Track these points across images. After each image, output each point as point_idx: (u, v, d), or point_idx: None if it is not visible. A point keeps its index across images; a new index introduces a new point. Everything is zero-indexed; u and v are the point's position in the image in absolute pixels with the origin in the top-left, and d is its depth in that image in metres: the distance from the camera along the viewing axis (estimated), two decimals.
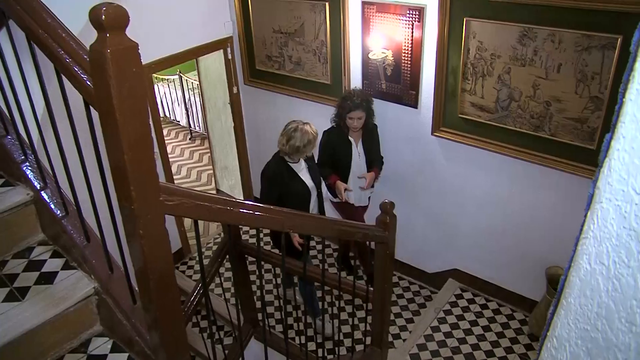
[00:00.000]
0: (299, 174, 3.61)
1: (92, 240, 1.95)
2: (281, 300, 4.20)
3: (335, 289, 3.01)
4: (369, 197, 4.35)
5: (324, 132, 4.06)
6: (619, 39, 2.87)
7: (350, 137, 4.02)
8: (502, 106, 3.52)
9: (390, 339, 4.07)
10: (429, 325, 4.16)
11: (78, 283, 1.90)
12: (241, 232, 3.66)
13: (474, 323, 4.14)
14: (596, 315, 0.52)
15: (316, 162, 3.93)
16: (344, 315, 4.33)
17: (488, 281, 4.37)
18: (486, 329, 4.08)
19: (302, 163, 3.65)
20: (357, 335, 4.11)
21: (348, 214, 4.30)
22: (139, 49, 1.18)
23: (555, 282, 3.70)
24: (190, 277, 4.93)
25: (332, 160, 4.05)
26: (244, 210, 1.78)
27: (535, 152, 3.51)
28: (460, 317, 4.21)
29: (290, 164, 3.58)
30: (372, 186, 4.25)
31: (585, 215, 1.05)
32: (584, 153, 3.28)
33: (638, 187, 0.45)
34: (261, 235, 2.24)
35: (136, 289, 1.82)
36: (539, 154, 3.49)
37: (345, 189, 3.97)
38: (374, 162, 4.14)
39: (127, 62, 1.16)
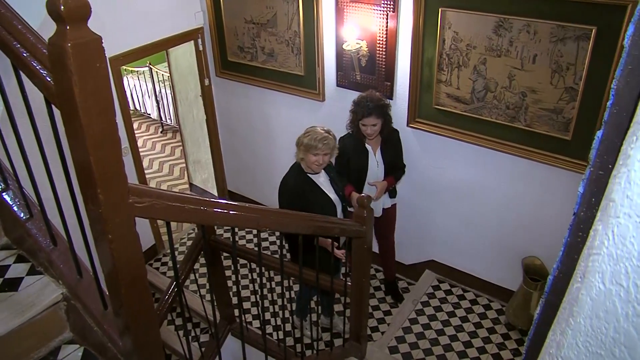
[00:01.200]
0: (322, 187, 3.28)
1: (59, 243, 1.86)
2: (258, 296, 4.13)
3: (314, 285, 2.97)
4: (394, 205, 4.09)
5: (340, 138, 3.64)
6: (594, 30, 2.87)
7: (367, 145, 3.71)
8: (478, 97, 3.51)
9: (368, 332, 4.05)
10: (407, 318, 4.15)
11: (45, 289, 1.81)
12: (216, 227, 3.58)
13: (451, 314, 4.15)
14: (612, 340, 0.48)
15: None
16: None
17: (465, 272, 4.38)
18: (464, 319, 4.09)
19: (323, 174, 3.32)
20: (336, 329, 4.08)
21: None
22: (102, 43, 1.10)
23: (531, 272, 3.72)
24: (164, 273, 4.83)
25: (348, 169, 3.75)
26: (218, 210, 1.72)
27: (510, 143, 3.51)
28: (438, 309, 4.22)
29: (310, 176, 3.25)
30: (394, 195, 4.01)
31: (576, 215, 1.02)
32: (559, 144, 3.28)
33: None
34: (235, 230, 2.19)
35: (107, 293, 1.75)
36: (515, 145, 3.49)
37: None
38: (393, 170, 3.84)
39: (90, 56, 1.08)
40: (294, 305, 3.97)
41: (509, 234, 3.92)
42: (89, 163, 1.17)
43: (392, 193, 3.99)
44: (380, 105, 3.54)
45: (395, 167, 3.85)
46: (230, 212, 1.75)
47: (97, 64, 1.10)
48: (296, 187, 3.21)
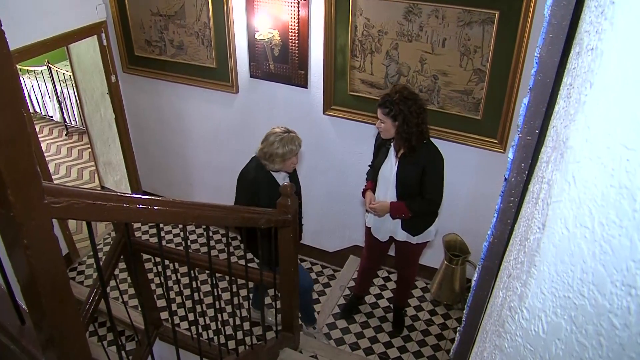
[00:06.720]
0: (279, 182, 3.18)
1: None
2: (184, 296, 4.01)
3: (242, 278, 2.92)
4: (410, 244, 3.38)
5: None
6: (497, 14, 3.02)
7: (393, 146, 3.12)
8: (392, 81, 3.59)
9: (299, 321, 4.05)
10: (336, 304, 4.20)
11: None
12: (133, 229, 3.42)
13: (379, 296, 4.25)
14: (580, 281, 0.50)
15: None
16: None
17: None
18: (391, 300, 4.19)
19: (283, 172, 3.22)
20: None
21: (370, 245, 3.66)
22: (2, 26, 0.99)
23: (451, 249, 3.88)
24: (81, 283, 4.56)
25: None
26: (142, 206, 1.63)
27: None
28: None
29: (271, 172, 3.16)
30: (414, 232, 3.30)
31: (507, 180, 1.06)
32: (470, 123, 3.44)
33: (629, 142, 0.42)
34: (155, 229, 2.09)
35: (23, 306, 1.61)
36: (429, 127, 3.60)
37: (371, 203, 3.24)
38: (409, 195, 3.13)
39: None
40: (222, 303, 3.90)
41: None
42: None
43: (410, 228, 3.28)
44: (394, 100, 2.84)
45: (411, 193, 3.14)
46: (155, 207, 1.67)
47: None
48: (255, 180, 3.15)
